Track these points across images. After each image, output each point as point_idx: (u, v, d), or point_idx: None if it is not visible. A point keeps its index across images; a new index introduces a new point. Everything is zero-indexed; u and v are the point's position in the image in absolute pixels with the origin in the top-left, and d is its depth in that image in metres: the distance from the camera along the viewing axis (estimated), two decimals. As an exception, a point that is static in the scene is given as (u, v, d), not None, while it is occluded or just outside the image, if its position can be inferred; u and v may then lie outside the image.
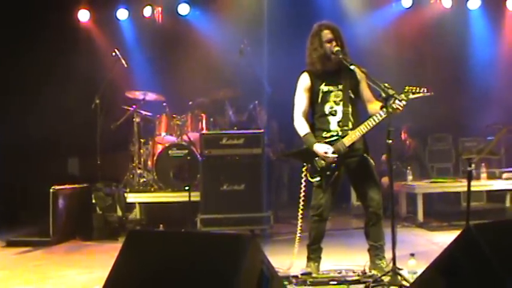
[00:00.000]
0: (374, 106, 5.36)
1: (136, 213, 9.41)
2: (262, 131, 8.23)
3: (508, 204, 10.07)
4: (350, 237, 7.85)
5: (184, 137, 9.14)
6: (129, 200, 8.77)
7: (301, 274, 5.22)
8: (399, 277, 4.84)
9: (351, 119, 5.37)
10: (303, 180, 5.44)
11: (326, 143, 5.31)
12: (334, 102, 5.37)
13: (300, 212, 5.62)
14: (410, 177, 9.23)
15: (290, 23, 10.79)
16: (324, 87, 5.40)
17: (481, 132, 10.59)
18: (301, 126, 5.43)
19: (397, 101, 5.02)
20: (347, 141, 5.26)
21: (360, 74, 5.41)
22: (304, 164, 5.41)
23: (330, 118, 5.38)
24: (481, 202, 10.59)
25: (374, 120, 5.19)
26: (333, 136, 5.34)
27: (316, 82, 5.43)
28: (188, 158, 8.69)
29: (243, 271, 3.22)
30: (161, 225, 8.27)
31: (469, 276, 3.59)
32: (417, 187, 8.76)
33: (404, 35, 11.70)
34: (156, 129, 9.56)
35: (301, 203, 5.58)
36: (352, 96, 5.42)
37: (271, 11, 10.87)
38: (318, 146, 5.28)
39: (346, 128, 5.32)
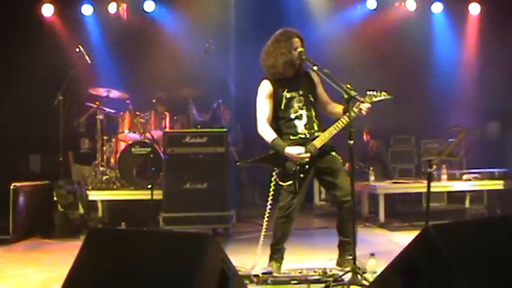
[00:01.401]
0: (332, 108, 5.59)
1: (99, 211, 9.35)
2: (225, 130, 8.22)
3: (467, 205, 10.24)
4: (312, 236, 7.91)
5: (148, 135, 9.09)
6: (91, 198, 8.69)
7: (263, 273, 5.23)
8: (359, 276, 4.89)
9: (315, 121, 5.48)
10: (272, 184, 5.48)
11: (298, 144, 5.37)
12: (298, 107, 5.46)
13: (267, 214, 5.64)
14: (372, 178, 9.33)
15: (256, 23, 10.80)
16: (287, 94, 5.47)
17: (443, 133, 10.72)
18: (268, 132, 5.45)
19: (362, 104, 5.22)
20: (318, 143, 5.35)
21: (316, 78, 5.61)
22: (275, 168, 5.45)
23: (297, 122, 5.45)
24: (442, 203, 10.74)
25: (342, 122, 5.29)
26: (301, 138, 5.40)
27: (278, 89, 5.49)
28: (151, 156, 8.66)
29: (203, 270, 3.22)
30: (123, 224, 8.22)
31: (427, 276, 3.64)
32: (379, 187, 8.84)
33: (368, 37, 11.79)
34: (119, 126, 9.48)
35: (269, 206, 5.61)
36: (312, 100, 5.54)
37: (237, 10, 10.90)
38: (290, 148, 5.33)
39: (312, 130, 5.42)
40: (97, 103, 9.38)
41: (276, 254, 5.59)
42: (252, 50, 10.64)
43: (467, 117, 10.81)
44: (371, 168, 9.45)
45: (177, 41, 11.31)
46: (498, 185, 9.12)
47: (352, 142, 5.06)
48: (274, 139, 5.40)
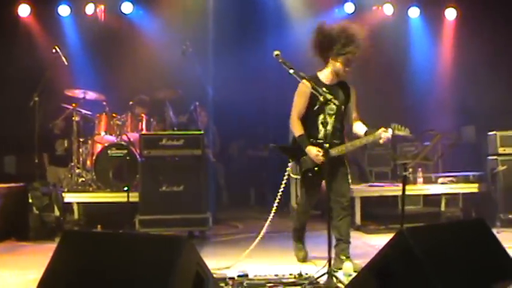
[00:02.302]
0: (356, 127, 5.95)
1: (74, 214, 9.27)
2: (202, 132, 8.22)
3: (443, 208, 10.28)
4: (288, 239, 7.86)
5: (124, 137, 9.05)
6: (66, 200, 8.62)
7: (238, 276, 5.23)
8: (334, 279, 4.91)
9: (337, 132, 5.87)
10: (284, 178, 6.01)
11: (319, 146, 5.68)
12: (328, 114, 5.67)
13: (273, 210, 6.08)
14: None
15: (234, 26, 10.83)
16: (322, 99, 5.43)
17: (419, 137, 10.78)
18: (297, 127, 5.86)
19: (384, 133, 5.59)
20: (334, 151, 5.70)
21: (353, 94, 5.96)
22: (290, 160, 5.99)
23: (321, 128, 5.69)
24: (418, 206, 10.75)
25: (361, 142, 5.78)
26: (318, 143, 5.73)
27: (316, 91, 5.55)
28: (127, 158, 8.61)
29: (177, 273, 3.22)
30: (99, 226, 8.18)
31: (401, 278, 3.67)
32: (355, 191, 8.85)
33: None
34: (95, 128, 9.44)
35: (276, 202, 6.06)
36: (343, 111, 5.85)
37: (215, 12, 10.89)
38: (311, 147, 5.73)
39: (332, 139, 5.71)
40: (73, 105, 9.33)
41: (297, 237, 6.37)
42: (229, 52, 10.70)
43: (444, 121, 10.89)
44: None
45: (154, 43, 11.26)
46: (473, 188, 9.21)
47: (327, 145, 5.29)
48: (301, 135, 5.82)
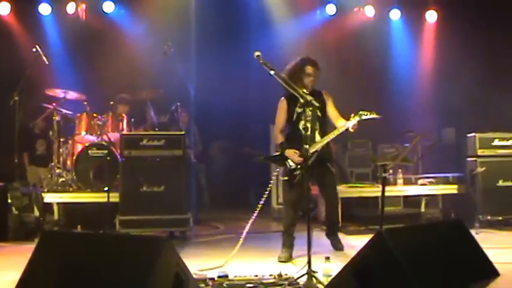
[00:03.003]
0: (339, 122, 6.57)
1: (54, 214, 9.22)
2: (183, 132, 8.22)
3: (423, 209, 10.35)
4: (268, 240, 7.91)
5: (105, 137, 9.00)
6: (46, 200, 8.56)
7: (218, 277, 5.23)
8: (314, 280, 4.92)
9: (320, 133, 6.59)
10: (269, 185, 6.60)
11: (298, 149, 6.34)
12: (306, 120, 6.09)
13: (255, 213, 6.42)
14: (329, 182, 9.37)
15: (216, 26, 10.83)
16: (298, 109, 6.53)
17: (399, 138, 10.84)
18: (279, 137, 6.68)
19: (348, 122, 6.33)
20: (311, 149, 6.29)
21: (327, 98, 6.75)
22: (277, 166, 6.84)
23: (303, 133, 6.10)
24: (398, 207, 10.79)
25: (333, 134, 6.45)
26: (304, 146, 6.10)
27: (291, 105, 6.59)
28: (108, 158, 8.58)
29: (156, 273, 3.22)
30: (79, 226, 8.14)
31: (380, 278, 3.69)
32: (336, 191, 8.88)
33: (328, 42, 11.88)
34: (76, 128, 9.38)
35: (260, 205, 6.45)
36: (319, 115, 6.59)
37: (197, 12, 10.88)
38: (289, 150, 6.44)
39: (315, 140, 6.48)
40: (54, 104, 9.28)
41: (286, 241, 6.55)
42: (212, 52, 10.69)
43: (424, 122, 10.96)
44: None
45: (136, 42, 11.22)
46: (453, 189, 9.30)
47: (307, 146, 5.58)
48: (281, 143, 6.61)
